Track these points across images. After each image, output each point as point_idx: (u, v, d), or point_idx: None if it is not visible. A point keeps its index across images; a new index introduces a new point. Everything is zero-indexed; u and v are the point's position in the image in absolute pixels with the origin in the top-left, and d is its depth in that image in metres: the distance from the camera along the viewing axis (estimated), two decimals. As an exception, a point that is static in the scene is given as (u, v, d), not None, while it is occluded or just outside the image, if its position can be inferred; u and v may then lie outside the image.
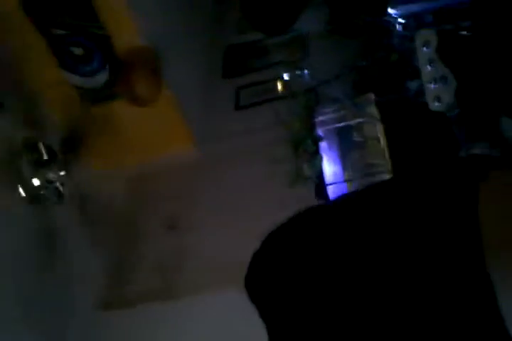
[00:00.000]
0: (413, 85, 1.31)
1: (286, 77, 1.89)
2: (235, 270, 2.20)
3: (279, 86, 2.77)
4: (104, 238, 2.32)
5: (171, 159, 2.49)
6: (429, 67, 1.06)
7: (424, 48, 1.06)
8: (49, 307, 1.97)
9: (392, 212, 0.42)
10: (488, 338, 0.31)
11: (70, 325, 2.02)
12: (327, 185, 2.16)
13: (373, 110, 2.20)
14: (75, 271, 2.14)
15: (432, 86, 1.05)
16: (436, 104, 1.04)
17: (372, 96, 2.21)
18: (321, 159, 2.21)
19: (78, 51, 2.11)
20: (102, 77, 2.18)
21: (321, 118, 2.31)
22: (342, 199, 0.50)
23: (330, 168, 2.19)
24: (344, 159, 2.20)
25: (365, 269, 0.40)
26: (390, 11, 1.53)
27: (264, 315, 0.45)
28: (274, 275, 0.43)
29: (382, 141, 2.17)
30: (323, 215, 0.48)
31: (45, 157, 2.02)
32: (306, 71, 1.85)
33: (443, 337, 0.33)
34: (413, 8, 1.38)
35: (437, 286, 0.36)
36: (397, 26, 1.53)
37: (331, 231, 0.45)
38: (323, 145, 2.25)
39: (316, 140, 2.25)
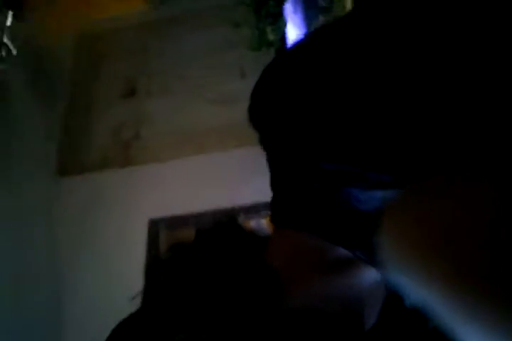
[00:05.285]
0: None
1: None
2: (194, 135, 2.17)
3: None
4: (53, 103, 2.19)
5: (125, 18, 2.30)
6: None
7: None
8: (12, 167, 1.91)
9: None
10: None
11: (30, 190, 1.97)
12: (290, 49, 2.08)
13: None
14: (28, 137, 2.04)
15: None
16: None
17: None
18: (285, 22, 2.09)
19: None
20: None
21: (285, -22, 2.15)
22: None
23: (294, 33, 2.10)
24: (309, 24, 2.10)
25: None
26: None
27: (266, 141, 0.43)
28: (276, 99, 0.41)
29: (349, 6, 2.07)
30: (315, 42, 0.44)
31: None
32: None
33: None
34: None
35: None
36: None
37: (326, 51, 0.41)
38: (287, 7, 2.12)
39: (280, 1, 2.11)
